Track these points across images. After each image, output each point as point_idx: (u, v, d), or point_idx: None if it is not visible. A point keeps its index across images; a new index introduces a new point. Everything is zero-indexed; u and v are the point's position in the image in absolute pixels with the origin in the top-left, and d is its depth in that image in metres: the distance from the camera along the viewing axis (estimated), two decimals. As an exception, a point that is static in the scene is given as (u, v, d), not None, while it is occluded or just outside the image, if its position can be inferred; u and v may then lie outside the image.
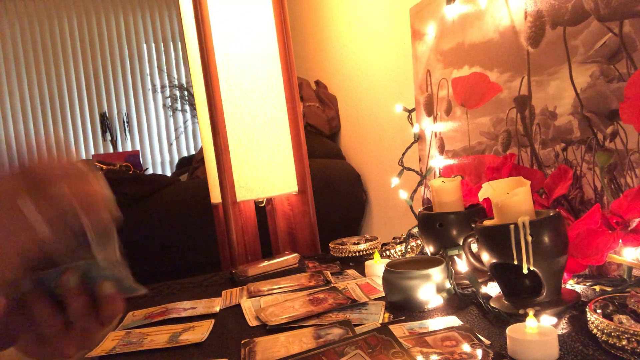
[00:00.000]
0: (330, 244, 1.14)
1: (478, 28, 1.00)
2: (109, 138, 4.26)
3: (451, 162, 1.13)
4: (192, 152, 4.33)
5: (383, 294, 0.79)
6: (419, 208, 0.97)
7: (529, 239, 0.61)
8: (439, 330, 0.61)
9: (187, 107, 4.24)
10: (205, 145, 1.41)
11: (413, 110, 1.25)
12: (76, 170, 0.38)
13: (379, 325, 0.65)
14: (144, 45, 4.33)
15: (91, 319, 0.39)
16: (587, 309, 0.55)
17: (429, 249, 0.88)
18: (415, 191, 1.12)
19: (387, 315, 0.72)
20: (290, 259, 1.07)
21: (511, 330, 0.54)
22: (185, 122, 4.38)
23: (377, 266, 0.92)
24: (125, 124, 4.30)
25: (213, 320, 0.78)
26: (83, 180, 0.38)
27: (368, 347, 0.56)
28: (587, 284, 0.73)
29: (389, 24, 1.47)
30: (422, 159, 1.25)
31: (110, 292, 0.40)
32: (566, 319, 0.61)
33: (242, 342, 0.66)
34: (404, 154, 1.19)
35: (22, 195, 0.35)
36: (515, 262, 0.63)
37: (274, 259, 1.07)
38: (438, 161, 1.18)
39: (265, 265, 1.05)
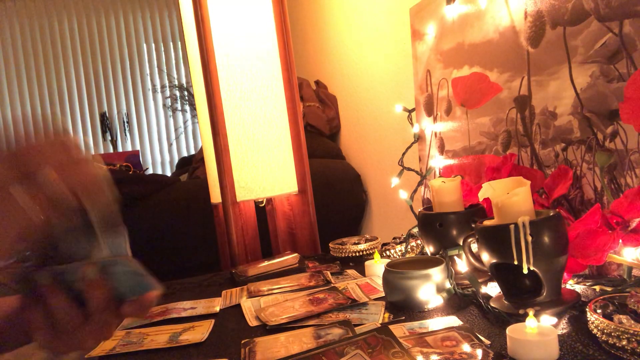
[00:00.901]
0: (330, 244, 1.14)
1: (478, 28, 1.00)
2: (109, 138, 4.26)
3: (451, 162, 1.13)
4: (192, 152, 4.33)
5: (383, 294, 0.79)
6: (419, 208, 0.97)
7: (529, 239, 0.61)
8: (439, 330, 0.61)
9: (187, 107, 4.24)
10: (205, 146, 1.41)
11: (413, 110, 1.25)
12: (68, 152, 0.37)
13: (379, 325, 0.65)
14: (144, 45, 4.33)
15: (110, 312, 0.40)
16: (587, 309, 0.55)
17: (429, 249, 0.88)
18: (415, 191, 1.12)
19: (387, 315, 0.72)
20: (290, 259, 1.07)
21: (511, 330, 0.54)
22: (185, 122, 4.38)
23: (377, 266, 0.92)
24: (125, 124, 4.30)
25: (213, 320, 0.78)
26: (76, 162, 0.37)
27: (368, 347, 0.56)
28: (587, 284, 0.73)
29: (389, 24, 1.47)
30: (422, 159, 1.25)
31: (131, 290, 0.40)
32: (566, 319, 0.61)
33: (242, 342, 0.66)
34: (404, 154, 1.19)
35: (13, 183, 0.35)
36: (515, 262, 0.63)
37: (274, 259, 1.07)
38: (438, 161, 1.18)
39: (265, 265, 1.05)
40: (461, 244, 0.78)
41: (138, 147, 4.33)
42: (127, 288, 0.41)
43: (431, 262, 0.77)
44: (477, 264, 0.74)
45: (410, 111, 1.25)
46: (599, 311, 0.54)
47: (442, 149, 1.16)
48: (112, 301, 0.40)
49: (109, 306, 0.39)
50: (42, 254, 0.39)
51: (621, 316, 0.51)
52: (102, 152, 4.23)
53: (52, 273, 0.38)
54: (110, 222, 0.39)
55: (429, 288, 0.72)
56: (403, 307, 0.74)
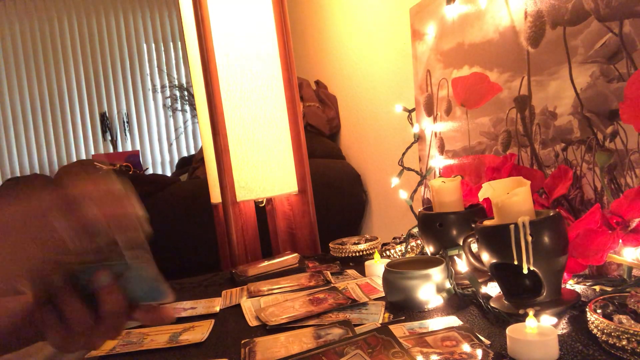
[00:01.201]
0: (330, 244, 1.14)
1: (478, 28, 1.00)
2: (109, 138, 4.26)
3: (451, 162, 1.13)
4: (192, 152, 4.34)
5: (383, 294, 0.79)
6: (419, 208, 0.97)
7: (529, 239, 0.61)
8: (439, 330, 0.61)
9: (187, 107, 4.24)
10: (205, 146, 1.41)
11: (413, 110, 1.25)
12: (110, 193, 0.40)
13: (379, 325, 0.65)
14: (144, 45, 4.33)
15: (122, 315, 0.41)
16: (587, 309, 0.55)
17: (429, 249, 0.88)
18: (415, 191, 1.12)
19: (387, 315, 0.72)
20: (290, 259, 1.07)
21: (511, 330, 0.54)
22: (185, 122, 4.38)
23: (377, 266, 0.92)
24: (125, 124, 4.30)
25: (213, 320, 0.78)
26: (116, 202, 0.40)
27: (368, 347, 0.56)
28: (587, 284, 0.73)
29: (389, 24, 1.47)
30: (422, 159, 1.25)
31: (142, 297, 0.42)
32: (566, 319, 0.61)
33: (242, 342, 0.66)
34: (404, 154, 1.19)
35: (54, 211, 0.38)
36: (515, 262, 0.63)
37: (274, 259, 1.07)
38: (438, 161, 1.18)
39: (265, 265, 1.05)
40: (461, 244, 0.78)
41: (138, 147, 4.33)
42: (141, 293, 0.42)
43: (431, 262, 0.77)
44: (477, 264, 0.74)
45: (410, 111, 1.25)
46: (599, 311, 0.54)
47: (442, 149, 1.16)
48: (125, 305, 0.41)
49: (121, 310, 0.41)
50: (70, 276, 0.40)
51: (621, 316, 0.51)
52: (102, 152, 4.23)
53: (65, 275, 0.39)
54: (137, 250, 0.41)
55: (429, 288, 0.72)
56: (403, 307, 0.74)
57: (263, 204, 1.43)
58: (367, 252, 1.08)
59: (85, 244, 0.38)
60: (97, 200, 0.39)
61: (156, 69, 4.34)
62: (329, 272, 0.99)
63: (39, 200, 0.39)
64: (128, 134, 4.31)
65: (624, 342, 0.48)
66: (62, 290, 0.39)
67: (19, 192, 0.40)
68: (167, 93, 4.31)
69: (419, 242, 1.05)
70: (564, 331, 0.58)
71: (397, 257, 1.04)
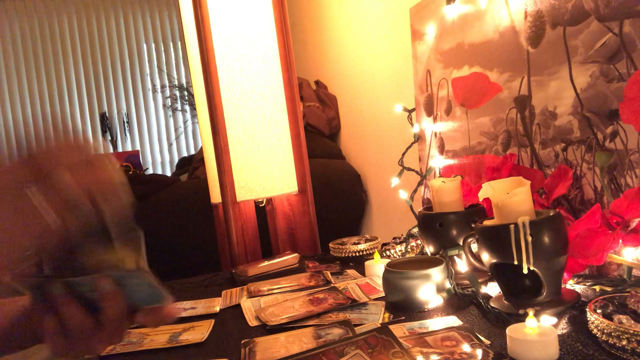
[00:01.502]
0: (330, 244, 1.14)
1: (478, 28, 1.00)
2: (109, 138, 4.26)
3: (451, 162, 1.13)
4: (192, 152, 4.34)
5: (383, 294, 0.79)
6: (419, 208, 0.97)
7: (529, 239, 0.61)
8: (439, 330, 0.61)
9: (187, 107, 4.24)
10: (205, 145, 1.41)
11: (413, 110, 1.25)
12: (84, 156, 0.37)
13: (379, 325, 0.65)
14: (144, 45, 4.33)
15: (123, 320, 0.40)
16: (587, 309, 0.55)
17: (429, 249, 0.88)
18: (415, 191, 1.12)
19: (387, 315, 0.72)
20: (290, 259, 1.07)
21: (511, 330, 0.54)
22: (185, 122, 4.38)
23: (377, 266, 0.92)
24: (125, 124, 4.30)
25: (213, 320, 0.78)
26: (91, 163, 0.37)
27: (368, 347, 0.56)
28: (587, 284, 0.73)
29: (389, 24, 1.47)
30: (422, 159, 1.25)
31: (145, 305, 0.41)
32: (566, 319, 0.61)
33: (242, 342, 0.66)
34: (404, 154, 1.19)
35: (28, 184, 0.34)
36: (515, 262, 0.63)
37: (274, 259, 1.07)
38: (438, 161, 1.18)
39: (265, 265, 1.05)
40: (461, 244, 0.78)
41: (138, 147, 4.33)
42: (141, 299, 0.41)
43: (431, 262, 0.77)
44: (477, 264, 0.74)
45: (410, 111, 1.25)
46: (599, 311, 0.54)
47: (442, 149, 1.16)
48: (126, 310, 0.40)
49: (122, 315, 0.40)
50: (58, 259, 0.38)
51: (621, 316, 0.51)
52: (102, 152, 4.22)
53: (66, 284, 0.38)
54: (125, 225, 0.39)
55: (429, 288, 0.72)
56: (403, 307, 0.74)
57: (263, 204, 1.43)
58: (367, 252, 1.08)
59: (69, 221, 0.35)
60: (70, 166, 0.35)
61: (156, 69, 4.34)
62: (329, 272, 0.99)
63: (12, 173, 0.35)
64: (128, 134, 4.31)
65: (624, 342, 0.48)
66: (61, 299, 0.38)
67: None
68: (167, 93, 4.31)
69: (419, 242, 1.05)
70: (564, 331, 0.58)
71: (397, 257, 1.04)
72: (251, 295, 0.90)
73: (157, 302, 0.42)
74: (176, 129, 4.40)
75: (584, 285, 0.73)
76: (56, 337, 0.39)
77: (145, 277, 0.40)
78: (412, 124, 1.25)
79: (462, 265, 0.83)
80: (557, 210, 0.67)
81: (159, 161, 4.40)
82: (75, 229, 0.36)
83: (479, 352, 0.54)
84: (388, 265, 0.78)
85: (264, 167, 1.29)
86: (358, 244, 1.10)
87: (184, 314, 0.83)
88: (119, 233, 0.38)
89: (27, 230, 0.34)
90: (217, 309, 0.84)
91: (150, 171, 4.22)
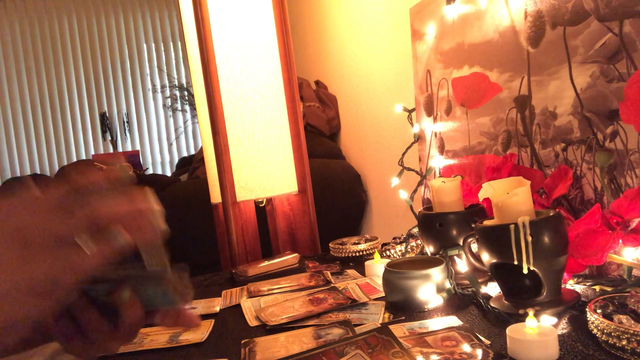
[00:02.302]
0: (330, 244, 1.14)
1: (478, 28, 1.00)
2: (109, 138, 4.26)
3: (451, 162, 1.13)
4: (192, 152, 4.34)
5: (383, 294, 0.79)
6: (419, 208, 0.97)
7: (529, 239, 0.61)
8: (439, 330, 0.61)
9: (187, 107, 4.24)
10: (205, 145, 1.41)
11: (413, 110, 1.25)
12: (137, 207, 0.37)
13: (379, 325, 0.65)
14: (144, 45, 4.33)
15: (139, 323, 0.40)
16: (587, 309, 0.55)
17: (429, 249, 0.88)
18: (415, 191, 1.12)
19: (387, 315, 0.72)
20: (290, 259, 1.07)
21: (511, 330, 0.54)
22: (185, 122, 4.38)
23: (377, 266, 0.92)
24: (125, 124, 4.30)
25: (213, 320, 0.78)
26: (130, 197, 0.37)
27: (368, 347, 0.56)
28: (587, 284, 0.73)
29: (389, 24, 1.47)
30: (422, 159, 1.25)
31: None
32: (566, 319, 0.61)
33: (242, 342, 0.66)
34: (404, 154, 1.19)
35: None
36: (515, 262, 0.63)
37: (274, 259, 1.07)
38: (438, 161, 1.18)
39: (265, 265, 1.05)
40: (461, 244, 0.78)
41: (138, 147, 4.34)
42: (158, 299, 0.41)
43: (431, 262, 0.77)
44: (477, 264, 0.74)
45: (410, 111, 1.25)
46: (599, 311, 0.54)
47: (442, 149, 1.16)
48: (143, 314, 0.40)
49: (138, 318, 0.40)
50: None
51: (621, 316, 0.51)
52: (102, 152, 4.23)
53: (80, 291, 0.38)
54: (160, 272, 0.40)
55: (429, 288, 0.72)
56: (403, 307, 0.74)
57: (263, 204, 1.43)
58: (367, 252, 1.08)
59: (105, 252, 0.34)
60: (109, 195, 0.35)
61: (156, 69, 4.34)
62: (329, 272, 0.99)
63: (46, 196, 0.34)
64: (128, 134, 4.32)
65: (624, 342, 0.48)
66: (78, 302, 0.38)
67: (20, 189, 0.35)
68: (167, 93, 4.31)
69: (419, 242, 1.05)
70: (564, 331, 0.58)
71: (397, 257, 1.04)
72: (251, 295, 0.90)
73: (175, 302, 0.41)
74: (176, 129, 4.40)
75: (584, 285, 0.73)
76: (74, 340, 0.39)
77: (167, 277, 0.40)
78: (412, 124, 1.25)
79: (462, 265, 0.83)
80: (557, 210, 0.67)
81: (159, 161, 4.41)
82: (112, 264, 0.36)
83: (479, 352, 0.54)
84: (388, 265, 0.78)
85: (264, 167, 1.29)
86: (358, 244, 1.10)
87: (184, 314, 0.83)
88: (149, 265, 0.39)
89: (71, 267, 0.33)
90: (217, 309, 0.84)
91: (150, 171, 4.22)
